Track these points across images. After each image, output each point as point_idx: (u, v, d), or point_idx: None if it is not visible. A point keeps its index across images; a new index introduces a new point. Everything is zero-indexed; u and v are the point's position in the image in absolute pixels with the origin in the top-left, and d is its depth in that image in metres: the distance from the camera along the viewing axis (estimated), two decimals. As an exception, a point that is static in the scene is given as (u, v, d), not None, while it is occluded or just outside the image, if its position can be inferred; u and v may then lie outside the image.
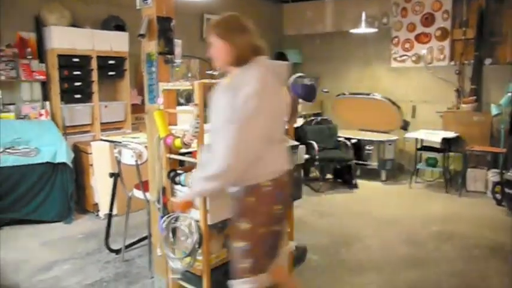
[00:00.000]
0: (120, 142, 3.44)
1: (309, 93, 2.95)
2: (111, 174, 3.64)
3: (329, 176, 6.42)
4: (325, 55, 7.80)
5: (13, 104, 4.80)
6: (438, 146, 5.81)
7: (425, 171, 6.35)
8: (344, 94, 7.15)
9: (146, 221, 3.23)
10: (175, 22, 2.72)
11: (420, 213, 4.87)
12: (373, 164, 6.37)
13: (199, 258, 2.46)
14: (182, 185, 2.55)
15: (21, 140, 4.46)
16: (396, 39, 7.00)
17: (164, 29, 2.65)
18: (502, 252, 3.79)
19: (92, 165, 4.75)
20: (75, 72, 5.00)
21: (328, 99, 7.39)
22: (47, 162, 4.39)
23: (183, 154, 2.61)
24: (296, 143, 3.02)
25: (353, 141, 6.28)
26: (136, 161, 3.18)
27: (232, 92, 1.87)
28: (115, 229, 3.79)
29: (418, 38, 6.76)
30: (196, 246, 2.38)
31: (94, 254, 3.72)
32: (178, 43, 2.79)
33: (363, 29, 6.32)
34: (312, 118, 6.66)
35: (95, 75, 5.14)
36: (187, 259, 2.43)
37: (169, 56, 2.71)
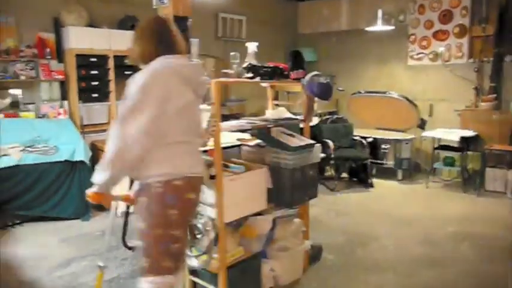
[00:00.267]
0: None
1: (324, 92, 2.94)
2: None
3: (344, 175, 6.38)
4: (341, 53, 7.76)
5: (33, 103, 4.90)
6: (456, 144, 5.73)
7: (442, 171, 6.27)
8: (360, 92, 7.09)
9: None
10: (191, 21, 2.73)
11: (437, 213, 4.81)
12: (389, 163, 6.31)
13: (216, 256, 2.48)
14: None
15: (41, 138, 4.54)
16: (413, 37, 6.91)
17: (181, 28, 2.66)
18: (521, 253, 3.72)
19: (109, 163, 4.79)
20: (92, 72, 5.07)
21: (343, 97, 7.34)
22: (66, 161, 4.45)
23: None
24: (312, 141, 3.02)
25: (369, 139, 6.23)
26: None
27: (129, 86, 1.93)
28: (132, 226, 3.81)
29: (435, 35, 6.68)
30: (213, 244, 2.39)
31: (111, 251, 3.76)
32: (194, 42, 2.79)
33: (379, 26, 6.26)
34: (327, 117, 6.62)
35: (111, 75, 5.21)
36: (204, 257, 2.45)
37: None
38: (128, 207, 3.76)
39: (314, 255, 3.49)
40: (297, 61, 3.08)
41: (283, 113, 3.17)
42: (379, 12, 6.18)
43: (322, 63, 7.80)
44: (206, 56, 5.68)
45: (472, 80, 6.29)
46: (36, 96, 4.99)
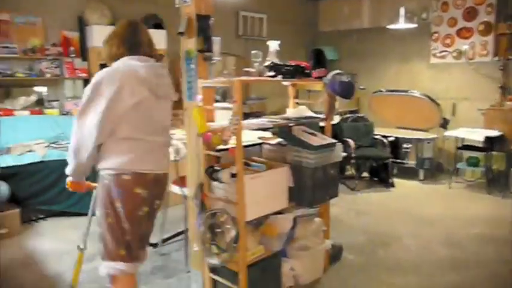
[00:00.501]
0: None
1: (346, 90, 2.92)
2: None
3: (365, 174, 6.31)
4: (362, 52, 7.68)
5: (57, 100, 5.00)
6: (480, 144, 5.60)
7: (465, 171, 6.14)
8: (381, 91, 7.00)
9: (183, 216, 3.28)
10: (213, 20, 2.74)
11: (460, 214, 4.72)
12: (411, 162, 6.22)
13: (236, 254, 2.48)
14: (220, 182, 2.58)
15: (64, 135, 4.63)
16: (436, 35, 6.80)
17: (203, 27, 2.67)
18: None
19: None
20: (115, 70, 5.13)
21: (364, 96, 7.27)
22: (88, 157, 4.52)
23: (220, 151, 2.64)
24: (334, 140, 2.99)
25: (390, 139, 6.15)
26: (174, 156, 3.24)
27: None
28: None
29: (459, 33, 6.55)
30: (233, 242, 2.40)
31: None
32: (216, 40, 2.80)
33: (401, 24, 6.16)
34: (348, 115, 6.57)
35: (133, 73, 5.25)
36: (224, 255, 2.46)
37: (208, 54, 2.73)
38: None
39: (334, 254, 3.47)
40: (319, 59, 3.07)
41: (305, 111, 3.16)
42: (402, 10, 6.09)
43: (343, 61, 7.73)
44: (227, 54, 5.69)
45: (497, 78, 6.14)
46: (60, 93, 5.09)
